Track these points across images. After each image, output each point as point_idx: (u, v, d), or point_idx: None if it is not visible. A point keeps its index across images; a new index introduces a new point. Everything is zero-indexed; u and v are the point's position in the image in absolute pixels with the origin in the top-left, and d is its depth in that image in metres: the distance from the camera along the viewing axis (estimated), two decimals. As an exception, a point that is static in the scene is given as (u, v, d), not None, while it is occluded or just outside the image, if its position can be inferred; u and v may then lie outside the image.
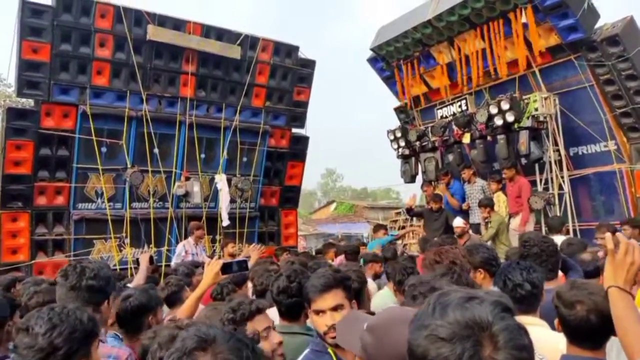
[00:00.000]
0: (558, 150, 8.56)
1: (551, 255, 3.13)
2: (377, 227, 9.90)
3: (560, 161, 8.61)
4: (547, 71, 8.69)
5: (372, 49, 10.95)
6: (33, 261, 8.39)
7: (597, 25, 8.05)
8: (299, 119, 11.15)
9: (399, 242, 10.27)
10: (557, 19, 8.01)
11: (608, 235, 1.74)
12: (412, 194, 10.45)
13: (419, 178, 10.74)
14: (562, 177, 8.58)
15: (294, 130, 11.23)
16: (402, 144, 10.38)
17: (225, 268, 3.07)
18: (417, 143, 10.15)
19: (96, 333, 1.89)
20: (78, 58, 8.41)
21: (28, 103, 9.49)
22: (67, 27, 8.18)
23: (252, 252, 5.71)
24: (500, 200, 8.58)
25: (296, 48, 10.55)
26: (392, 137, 10.53)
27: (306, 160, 11.67)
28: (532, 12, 8.14)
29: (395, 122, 11.56)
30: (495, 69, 9.02)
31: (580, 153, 8.80)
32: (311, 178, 57.46)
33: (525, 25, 8.29)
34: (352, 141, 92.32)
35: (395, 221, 19.12)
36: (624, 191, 8.24)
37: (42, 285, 4.07)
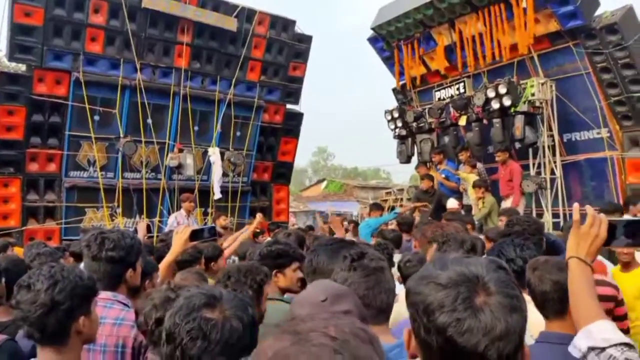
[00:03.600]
0: (552, 136, 8.64)
1: (533, 234, 3.21)
2: (374, 207, 9.65)
3: (553, 146, 8.69)
4: (545, 57, 8.72)
5: (372, 28, 10.86)
6: (24, 227, 8.39)
7: (596, 13, 8.06)
8: (294, 95, 11.13)
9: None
10: (557, 5, 8.02)
11: (576, 205, 1.72)
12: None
13: (414, 159, 10.79)
14: (555, 162, 8.68)
15: (288, 106, 11.21)
16: (399, 124, 10.38)
17: (195, 234, 3.13)
18: (414, 124, 10.15)
19: (96, 290, 1.93)
20: (72, 23, 8.30)
21: (19, 68, 9.36)
22: (60, -9, 8.06)
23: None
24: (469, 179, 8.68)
25: (293, 22, 10.47)
26: (389, 117, 10.52)
27: (299, 137, 11.69)
28: None
29: (391, 103, 11.54)
30: (494, 53, 9.03)
31: (573, 139, 8.87)
32: (303, 155, 57.39)
33: (524, 10, 8.28)
34: (345, 120, 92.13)
35: (385, 201, 19.26)
36: (614, 178, 8.34)
37: (44, 249, 4.17)
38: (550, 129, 8.60)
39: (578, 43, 8.19)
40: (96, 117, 8.80)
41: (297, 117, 11.46)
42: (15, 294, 1.80)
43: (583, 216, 1.69)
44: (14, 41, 7.94)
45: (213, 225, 3.52)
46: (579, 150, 8.81)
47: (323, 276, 1.86)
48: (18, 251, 5.70)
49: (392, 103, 11.61)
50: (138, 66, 8.94)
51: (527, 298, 2.53)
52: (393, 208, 16.00)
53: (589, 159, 8.67)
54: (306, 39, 10.85)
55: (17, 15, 7.84)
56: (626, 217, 5.15)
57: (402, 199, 18.59)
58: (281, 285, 2.95)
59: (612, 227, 1.64)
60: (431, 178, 9.25)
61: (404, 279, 3.41)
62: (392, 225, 7.08)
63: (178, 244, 3.14)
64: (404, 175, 51.31)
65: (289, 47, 10.51)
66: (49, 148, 8.60)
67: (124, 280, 2.40)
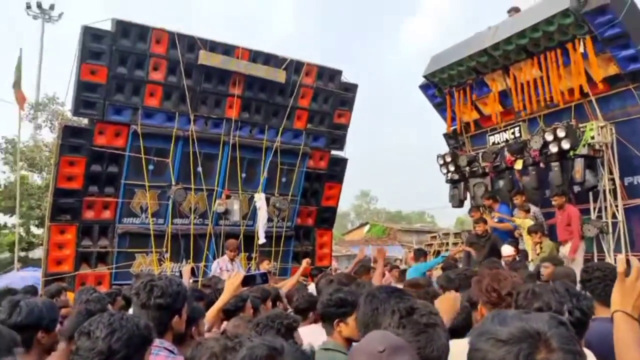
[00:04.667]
0: (613, 179, 8.51)
1: (613, 280, 3.09)
2: (419, 253, 9.61)
3: (614, 190, 8.54)
4: (603, 100, 8.66)
5: (425, 76, 11.08)
6: (76, 272, 8.67)
7: None
8: (339, 141, 11.28)
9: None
10: (618, 50, 8.03)
11: (620, 257, 1.67)
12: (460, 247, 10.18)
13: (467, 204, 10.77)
14: (617, 206, 8.52)
15: (333, 152, 11.37)
16: (452, 168, 10.46)
17: (247, 280, 3.20)
18: (467, 168, 10.21)
19: (151, 340, 2.00)
20: (133, 80, 8.79)
21: (81, 121, 9.95)
22: (124, 51, 8.59)
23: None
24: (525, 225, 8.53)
25: (339, 72, 10.74)
26: (441, 162, 10.62)
27: (343, 181, 11.79)
28: (592, 42, 8.19)
29: (437, 146, 11.57)
30: (550, 97, 9.04)
31: (635, 182, 8.68)
32: (345, 199, 57.37)
33: (583, 55, 8.32)
34: (388, 162, 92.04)
35: (430, 245, 18.91)
36: None
37: (94, 294, 4.32)
38: (610, 173, 8.48)
39: (638, 86, 8.13)
40: (150, 167, 9.18)
41: (342, 163, 11.57)
42: (76, 340, 1.89)
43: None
44: (79, 97, 8.45)
45: (264, 271, 3.61)
46: None
47: (372, 329, 1.80)
48: (70, 296, 5.89)
49: (438, 146, 11.64)
50: (192, 118, 9.34)
51: (588, 352, 2.45)
52: (439, 252, 15.66)
53: None
54: (352, 88, 11.08)
55: (84, 74, 8.36)
56: None
57: (447, 243, 18.25)
58: (345, 334, 2.87)
59: None
60: (485, 222, 9.11)
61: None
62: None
63: (230, 290, 3.21)
64: (449, 218, 50.43)
65: (335, 96, 10.74)
66: (105, 196, 8.98)
67: (170, 327, 2.45)
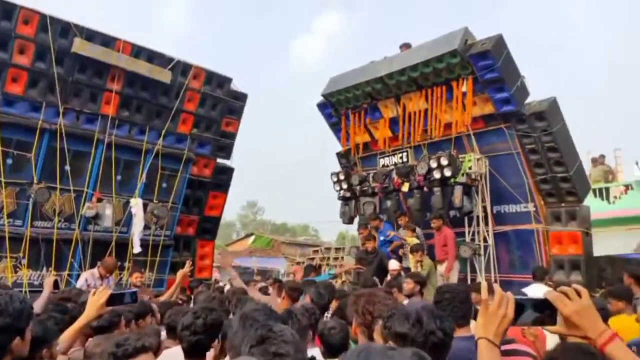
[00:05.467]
0: (484, 207, 9.29)
1: (462, 302, 3.24)
2: (310, 269, 9.81)
3: (485, 216, 9.33)
4: (480, 135, 9.43)
5: (323, 95, 11.36)
6: None
7: (526, 101, 8.93)
8: (225, 150, 11.07)
9: (335, 280, 10.16)
10: (494, 92, 8.82)
11: (484, 284, 1.70)
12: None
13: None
14: (487, 231, 9.31)
15: (219, 160, 11.09)
16: (345, 186, 10.81)
17: (114, 298, 2.92)
18: (358, 187, 10.60)
19: None
20: (-8, 63, 7.90)
21: None
22: (-17, 28, 7.71)
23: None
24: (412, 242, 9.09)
25: (229, 80, 10.56)
26: (335, 179, 10.95)
27: (229, 191, 11.52)
28: (472, 82, 8.94)
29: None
30: (432, 129, 9.72)
31: (502, 211, 9.55)
32: (231, 209, 56.64)
33: (464, 94, 9.06)
34: (276, 175, 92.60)
35: (312, 259, 19.17)
36: (539, 248, 9.05)
37: None
38: (483, 200, 9.25)
39: (510, 126, 8.96)
40: (9, 161, 8.26)
41: (228, 172, 11.36)
42: None
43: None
44: None
45: (135, 290, 3.29)
46: (508, 221, 9.48)
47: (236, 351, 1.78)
48: None
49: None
50: (61, 110, 8.59)
51: None
52: (320, 267, 15.90)
53: (516, 230, 9.36)
54: (241, 97, 10.94)
55: None
56: (535, 293, 5.35)
57: (329, 257, 18.65)
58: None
59: (520, 306, 1.65)
60: (375, 239, 9.42)
61: (325, 346, 3.29)
62: None
63: (93, 308, 2.90)
64: (332, 233, 51.74)
65: (223, 103, 10.55)
66: (-50, 191, 7.90)
67: (9, 350, 2.12)
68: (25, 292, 8.02)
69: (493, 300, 1.65)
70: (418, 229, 9.62)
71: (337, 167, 11.72)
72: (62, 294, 4.81)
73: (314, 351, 3.18)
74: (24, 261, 8.51)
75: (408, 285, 6.04)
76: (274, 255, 27.71)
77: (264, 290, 8.90)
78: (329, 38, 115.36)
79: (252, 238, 33.51)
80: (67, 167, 8.78)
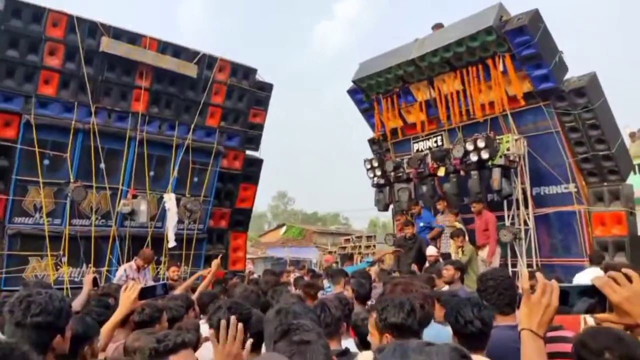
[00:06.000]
0: (523, 189, 9.06)
1: (507, 289, 3.16)
2: (346, 258, 9.87)
3: (525, 199, 9.10)
4: (517, 115, 9.20)
5: (353, 81, 11.24)
6: (-42, 277, 7.81)
7: (565, 77, 8.64)
8: (254, 141, 11.09)
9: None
10: (532, 68, 8.58)
11: (525, 272, 1.67)
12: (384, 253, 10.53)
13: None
14: (527, 214, 9.08)
15: (248, 152, 11.13)
16: (378, 173, 10.69)
17: (146, 292, 2.96)
18: (393, 173, 10.47)
19: None
20: (25, 65, 8.08)
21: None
22: (15, 32, 7.88)
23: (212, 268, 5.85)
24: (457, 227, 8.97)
25: (254, 70, 10.55)
26: (368, 166, 10.84)
27: (259, 182, 11.57)
28: (510, 60, 8.69)
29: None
30: (468, 110, 9.51)
31: (542, 193, 9.30)
32: (262, 200, 57.15)
33: (503, 71, 8.81)
34: (305, 163, 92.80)
35: (344, 248, 19.18)
36: (581, 230, 8.79)
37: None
38: (522, 182, 9.03)
39: (549, 104, 8.70)
40: (46, 162, 8.46)
41: (257, 164, 11.38)
42: None
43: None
44: (-39, 81, 7.64)
45: (165, 282, 3.33)
46: (548, 203, 9.24)
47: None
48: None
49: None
50: (93, 110, 8.74)
51: None
52: (352, 255, 15.90)
53: (557, 212, 9.11)
54: (267, 87, 10.93)
55: (-33, 55, 7.56)
56: (580, 281, 5.21)
57: (360, 246, 18.61)
58: None
59: (564, 294, 1.58)
60: (413, 225, 9.38)
61: (360, 338, 3.26)
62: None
63: (125, 304, 2.97)
64: (363, 221, 51.66)
65: (249, 94, 10.54)
66: (-7, 192, 8.14)
67: (51, 348, 2.16)
68: (67, 288, 8.26)
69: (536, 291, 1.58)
70: None
71: (367, 154, 11.63)
72: (102, 289, 4.94)
73: (348, 342, 3.16)
74: (64, 259, 8.72)
75: (448, 272, 5.96)
76: (305, 245, 27.86)
77: (299, 280, 8.95)
78: (352, 23, 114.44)
79: (283, 229, 33.77)
80: (102, 165, 8.95)
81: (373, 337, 2.60)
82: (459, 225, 8.93)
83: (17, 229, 8.37)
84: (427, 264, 8.12)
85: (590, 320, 3.95)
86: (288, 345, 1.69)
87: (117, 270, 8.20)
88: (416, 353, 1.01)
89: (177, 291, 5.38)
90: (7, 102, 8.04)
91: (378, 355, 1.10)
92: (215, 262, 6.00)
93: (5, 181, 8.24)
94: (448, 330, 2.71)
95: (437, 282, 5.97)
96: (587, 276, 5.91)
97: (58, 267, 8.69)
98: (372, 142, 11.87)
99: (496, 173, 8.67)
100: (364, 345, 3.17)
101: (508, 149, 8.82)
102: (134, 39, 8.90)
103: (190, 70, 9.44)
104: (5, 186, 8.24)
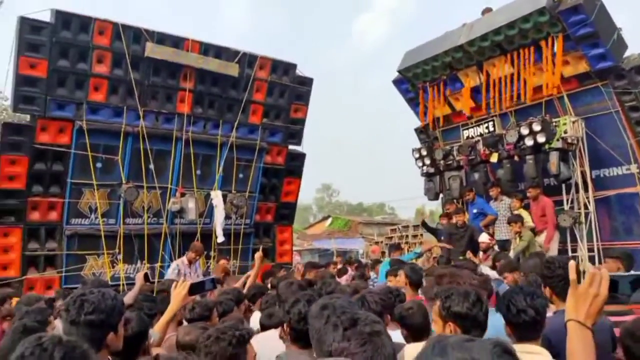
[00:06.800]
0: (582, 172, 8.78)
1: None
2: (394, 248, 9.71)
3: (584, 182, 8.82)
4: (574, 96, 8.89)
5: (399, 71, 11.13)
6: (24, 277, 8.29)
7: (625, 55, 8.30)
8: (296, 136, 11.16)
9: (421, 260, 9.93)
10: (588, 48, 8.27)
11: (572, 263, 1.59)
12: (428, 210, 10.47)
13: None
14: (587, 198, 8.80)
15: (291, 147, 11.23)
16: (427, 162, 10.58)
17: (195, 288, 3.04)
18: (442, 162, 10.34)
19: None
20: (75, 74, 8.41)
21: (23, 118, 9.46)
22: (65, 43, 8.20)
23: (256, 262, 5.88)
24: (524, 216, 8.65)
25: (294, 66, 10.59)
26: (417, 155, 10.74)
27: (302, 176, 11.67)
28: (563, 40, 8.41)
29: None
30: (520, 94, 9.23)
31: (602, 175, 8.98)
32: (307, 192, 57.48)
33: (556, 53, 8.54)
34: (348, 156, 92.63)
35: (391, 238, 19.07)
36: None
37: (33, 306, 4.03)
38: (581, 165, 8.76)
39: (607, 83, 8.37)
40: (98, 165, 8.83)
41: (300, 158, 11.46)
42: None
43: None
44: (18, 92, 8.03)
45: (213, 277, 3.44)
46: (609, 185, 8.92)
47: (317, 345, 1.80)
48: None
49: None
50: (141, 113, 9.03)
51: (540, 349, 2.39)
52: (399, 245, 15.75)
53: (618, 194, 8.79)
54: (307, 81, 10.96)
55: (22, 67, 7.93)
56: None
57: (407, 235, 18.45)
58: None
59: (614, 284, 1.54)
60: (464, 213, 9.14)
61: (407, 329, 3.25)
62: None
63: (176, 301, 3.06)
64: (409, 210, 51.11)
65: (290, 90, 10.60)
66: (51, 196, 8.57)
67: (105, 345, 2.26)
68: (123, 285, 8.64)
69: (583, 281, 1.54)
70: (508, 200, 9.12)
71: (414, 144, 11.48)
72: (160, 285, 5.18)
73: (396, 334, 3.16)
74: (120, 256, 9.10)
75: (506, 279, 5.49)
76: (351, 236, 27.86)
77: (342, 271, 8.98)
78: (391, 13, 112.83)
79: (329, 220, 33.87)
80: (151, 166, 9.27)
81: (436, 325, 2.58)
82: (524, 212, 8.62)
83: (74, 229, 8.79)
84: (480, 253, 7.94)
85: None
86: (358, 336, 1.66)
87: (169, 266, 8.51)
88: (455, 350, 0.98)
89: (246, 288, 5.49)
90: (60, 109, 8.41)
91: (419, 352, 1.09)
92: (258, 255, 5.91)
93: (61, 185, 8.64)
94: (498, 317, 2.65)
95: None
96: None
97: (114, 264, 9.08)
98: (419, 131, 11.68)
99: (554, 157, 8.40)
100: (413, 337, 3.15)
101: (565, 132, 8.50)
102: (176, 42, 9.11)
103: (231, 69, 9.59)
104: (61, 190, 8.65)
